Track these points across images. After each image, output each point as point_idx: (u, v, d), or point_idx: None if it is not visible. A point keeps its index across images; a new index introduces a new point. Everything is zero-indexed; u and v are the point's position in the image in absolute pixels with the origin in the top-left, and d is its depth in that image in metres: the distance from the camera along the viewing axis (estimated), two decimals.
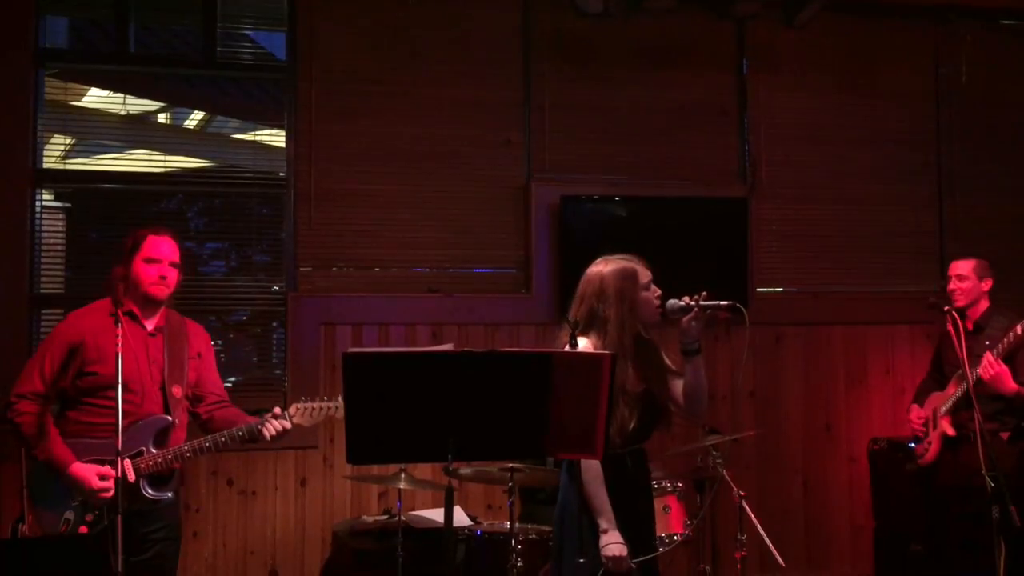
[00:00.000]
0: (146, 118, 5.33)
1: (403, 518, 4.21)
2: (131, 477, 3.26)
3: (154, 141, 5.27)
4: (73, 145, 5.18)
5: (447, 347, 3.69)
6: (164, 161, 5.20)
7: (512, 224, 5.34)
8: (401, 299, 5.14)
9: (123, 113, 5.20)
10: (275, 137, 5.25)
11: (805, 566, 5.47)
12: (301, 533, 4.92)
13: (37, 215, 4.89)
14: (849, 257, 4.97)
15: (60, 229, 5.01)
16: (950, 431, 4.40)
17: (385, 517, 4.70)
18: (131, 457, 3.29)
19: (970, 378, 3.91)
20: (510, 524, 3.54)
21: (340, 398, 3.53)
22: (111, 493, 3.18)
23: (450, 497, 3.10)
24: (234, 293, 5.15)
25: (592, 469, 3.03)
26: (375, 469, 4.59)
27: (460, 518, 4.43)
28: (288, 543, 4.90)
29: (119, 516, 2.92)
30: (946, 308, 4.02)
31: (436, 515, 4.49)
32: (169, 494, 3.38)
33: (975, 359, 4.29)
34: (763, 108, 5.67)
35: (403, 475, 4.11)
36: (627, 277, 3.14)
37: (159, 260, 3.45)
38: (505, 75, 5.39)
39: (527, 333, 5.22)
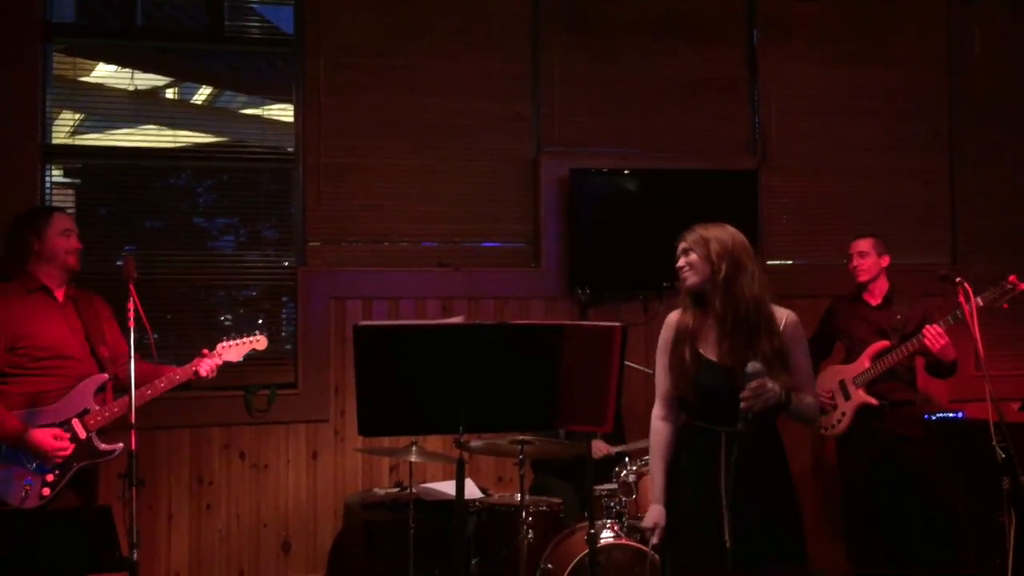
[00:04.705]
0: (154, 93, 5.31)
1: (414, 490, 4.23)
2: (82, 434, 3.48)
3: (162, 117, 5.26)
4: (82, 121, 5.17)
5: (458, 319, 3.71)
6: (173, 136, 5.19)
7: (521, 197, 5.32)
8: (411, 273, 5.15)
9: (131, 89, 5.19)
10: (283, 112, 5.24)
11: None
12: (313, 505, 4.95)
13: (47, 191, 4.90)
14: (859, 229, 4.92)
15: (70, 205, 5.02)
16: (873, 401, 4.52)
17: (396, 489, 4.73)
18: (78, 416, 3.49)
19: (981, 352, 3.89)
20: (521, 496, 3.56)
21: (257, 332, 3.99)
22: (68, 451, 3.42)
23: (461, 468, 3.12)
24: (244, 268, 5.15)
25: (652, 436, 3.06)
26: (386, 442, 4.61)
27: (471, 490, 4.46)
28: (300, 515, 4.94)
29: (133, 488, 2.97)
30: (957, 280, 4.02)
31: (446, 487, 4.52)
32: (120, 445, 3.54)
33: (885, 333, 4.56)
34: (773, 79, 5.63)
35: (414, 448, 4.12)
36: None
37: (72, 231, 3.68)
38: (514, 48, 5.36)
39: (537, 307, 5.22)
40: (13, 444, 3.37)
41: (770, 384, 2.80)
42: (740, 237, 3.01)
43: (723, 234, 3.00)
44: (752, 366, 2.77)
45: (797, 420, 3.00)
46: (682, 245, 3.05)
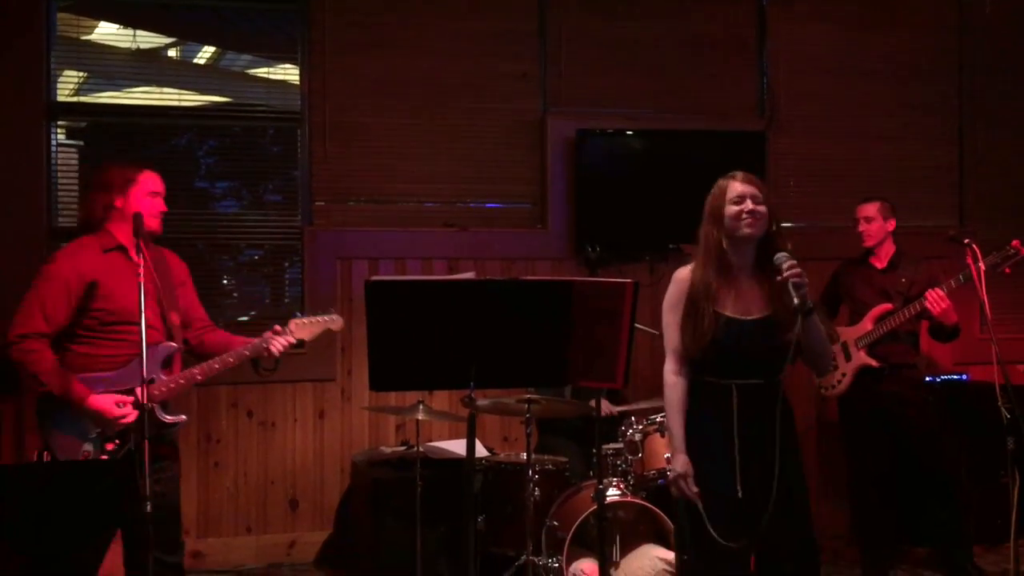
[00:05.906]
0: (157, 53, 5.27)
1: (421, 448, 4.26)
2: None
3: (166, 77, 5.23)
4: (86, 80, 5.15)
5: (468, 275, 3.69)
6: (178, 96, 5.16)
7: (528, 158, 5.31)
8: (417, 233, 5.14)
9: (134, 48, 5.15)
10: (289, 72, 5.20)
11: None
12: (320, 463, 4.99)
13: (52, 148, 4.89)
14: (867, 191, 4.90)
15: (73, 163, 5.01)
16: (873, 363, 4.55)
17: (403, 448, 4.76)
18: (143, 385, 3.28)
19: (989, 314, 3.90)
20: (527, 455, 3.58)
21: (332, 310, 3.64)
22: (131, 419, 3.25)
23: (472, 424, 3.13)
24: (249, 228, 5.15)
25: (667, 392, 2.97)
26: (392, 400, 4.64)
27: (477, 449, 4.48)
28: (307, 473, 4.98)
29: (145, 441, 2.97)
30: (966, 241, 4.01)
31: (452, 446, 4.55)
32: (183, 416, 3.42)
33: (889, 296, 4.57)
34: (782, 40, 5.58)
35: (421, 406, 4.14)
36: (713, 192, 2.98)
37: (160, 193, 3.46)
38: (520, 6, 5.31)
39: (543, 267, 5.23)
40: (74, 408, 3.22)
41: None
42: None
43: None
44: (783, 253, 2.80)
45: (817, 349, 2.93)
46: (752, 190, 2.90)
